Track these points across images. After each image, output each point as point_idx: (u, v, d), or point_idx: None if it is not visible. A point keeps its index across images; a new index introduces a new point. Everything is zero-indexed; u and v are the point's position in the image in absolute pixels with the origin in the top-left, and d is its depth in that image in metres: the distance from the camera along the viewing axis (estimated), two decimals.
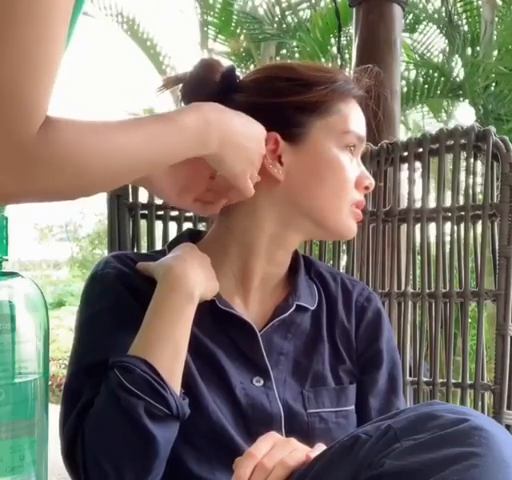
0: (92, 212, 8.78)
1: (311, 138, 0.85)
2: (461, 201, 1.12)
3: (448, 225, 1.13)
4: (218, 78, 0.86)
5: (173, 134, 0.70)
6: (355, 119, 0.88)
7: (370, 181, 0.90)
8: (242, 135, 0.78)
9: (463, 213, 1.11)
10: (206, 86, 0.85)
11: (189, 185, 0.84)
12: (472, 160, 1.12)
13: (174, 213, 1.21)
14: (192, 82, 0.87)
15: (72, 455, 0.75)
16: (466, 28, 5.00)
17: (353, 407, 0.89)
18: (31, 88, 0.54)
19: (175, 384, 0.75)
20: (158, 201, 1.19)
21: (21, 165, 0.56)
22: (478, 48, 4.90)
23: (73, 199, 0.64)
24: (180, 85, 0.88)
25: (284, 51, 5.72)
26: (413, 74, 5.02)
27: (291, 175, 0.85)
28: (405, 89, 4.65)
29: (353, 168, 0.88)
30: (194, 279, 0.79)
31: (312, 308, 0.91)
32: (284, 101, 0.84)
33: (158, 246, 1.20)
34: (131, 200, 1.18)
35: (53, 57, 0.55)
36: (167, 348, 0.76)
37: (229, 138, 0.76)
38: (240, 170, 0.80)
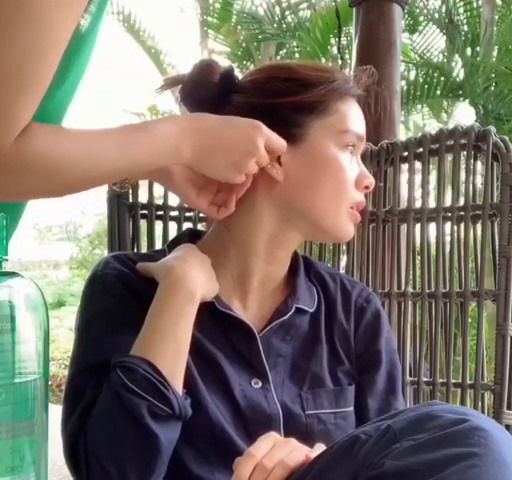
0: (92, 212, 8.77)
1: (310, 138, 0.85)
2: (461, 201, 1.12)
3: (448, 225, 1.13)
4: (216, 79, 0.86)
5: (145, 143, 0.71)
6: (354, 118, 0.88)
7: (370, 180, 0.90)
8: (223, 139, 0.77)
9: (463, 213, 1.11)
10: (204, 87, 0.85)
11: (206, 185, 0.84)
12: (472, 160, 1.11)
13: (174, 213, 1.20)
14: (191, 83, 0.87)
15: (74, 455, 0.75)
16: (466, 28, 4.99)
17: (352, 408, 0.89)
18: (13, 100, 0.54)
19: (177, 384, 0.75)
20: (158, 201, 1.19)
21: None
22: (478, 48, 4.89)
23: (46, 198, 0.67)
24: (179, 86, 0.88)
25: (284, 51, 5.71)
26: (413, 74, 5.01)
27: (290, 175, 0.85)
28: (405, 89, 4.65)
29: (353, 168, 0.88)
30: (195, 280, 0.79)
31: (311, 310, 0.91)
32: (282, 101, 0.84)
33: (158, 246, 1.19)
34: (131, 200, 1.17)
35: (43, 73, 0.56)
36: (169, 348, 0.76)
37: (205, 146, 0.75)
38: (225, 174, 0.79)
